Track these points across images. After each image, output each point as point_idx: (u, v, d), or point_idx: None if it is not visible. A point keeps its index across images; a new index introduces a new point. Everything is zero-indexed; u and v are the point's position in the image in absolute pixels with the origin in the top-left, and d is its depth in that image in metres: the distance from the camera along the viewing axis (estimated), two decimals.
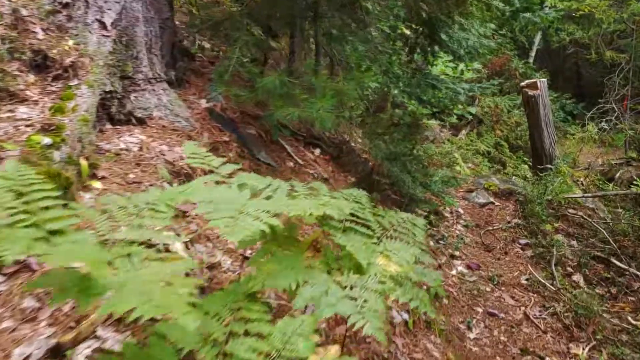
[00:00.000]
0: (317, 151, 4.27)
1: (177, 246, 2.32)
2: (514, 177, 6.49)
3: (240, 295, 1.46)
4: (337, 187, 3.79)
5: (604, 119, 7.88)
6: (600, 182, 6.87)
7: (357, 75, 2.93)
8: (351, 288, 1.51)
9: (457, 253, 4.33)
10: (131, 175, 2.59)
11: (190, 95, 3.43)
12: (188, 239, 2.39)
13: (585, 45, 9.38)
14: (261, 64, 3.61)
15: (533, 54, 10.45)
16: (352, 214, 2.05)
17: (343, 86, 2.96)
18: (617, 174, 7.09)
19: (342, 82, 2.93)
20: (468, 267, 4.17)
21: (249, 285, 1.45)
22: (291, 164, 3.49)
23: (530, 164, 7.43)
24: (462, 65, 7.22)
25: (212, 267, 2.36)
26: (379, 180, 4.60)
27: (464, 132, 7.97)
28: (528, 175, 7.01)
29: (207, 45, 5.01)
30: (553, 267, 4.30)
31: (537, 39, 10.32)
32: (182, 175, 2.78)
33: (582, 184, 6.86)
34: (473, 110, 7.77)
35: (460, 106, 7.51)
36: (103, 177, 2.48)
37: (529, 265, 4.30)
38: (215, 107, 3.36)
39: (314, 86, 2.98)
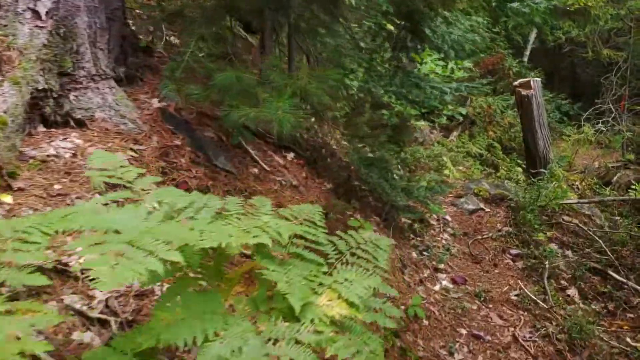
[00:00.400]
0: (290, 155, 3.93)
1: (102, 271, 1.97)
2: (506, 181, 6.17)
3: (126, 354, 1.12)
4: (309, 195, 3.46)
5: (600, 120, 7.58)
6: (597, 186, 6.57)
7: (321, 73, 2.60)
8: (275, 342, 1.17)
9: (441, 265, 4.00)
10: (57, 186, 2.25)
11: (142, 95, 3.09)
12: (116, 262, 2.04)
13: (581, 44, 9.09)
14: (221, 59, 3.28)
15: (527, 52, 10.14)
16: (300, 236, 1.72)
17: (308, 84, 2.62)
18: (615, 178, 6.78)
19: (306, 80, 2.61)
20: (453, 281, 3.84)
21: (138, 341, 1.11)
22: (255, 170, 3.15)
23: (524, 166, 7.12)
24: (452, 64, 6.90)
25: (142, 295, 2.02)
26: (359, 187, 4.27)
27: (455, 133, 7.64)
28: (521, 179, 6.69)
29: (177, 41, 4.66)
30: (545, 281, 3.97)
31: (532, 37, 10.00)
32: (121, 185, 2.43)
33: (578, 188, 6.55)
34: (463, 110, 7.45)
35: (450, 106, 7.18)
36: (19, 189, 2.13)
37: (519, 280, 3.97)
38: (168, 108, 3.02)
39: (276, 84, 2.64)
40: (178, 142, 2.87)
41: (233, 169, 2.99)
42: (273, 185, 3.15)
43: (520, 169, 7.30)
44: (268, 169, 3.27)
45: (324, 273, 1.65)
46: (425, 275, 3.77)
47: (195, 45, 2.93)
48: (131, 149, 2.71)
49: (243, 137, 3.10)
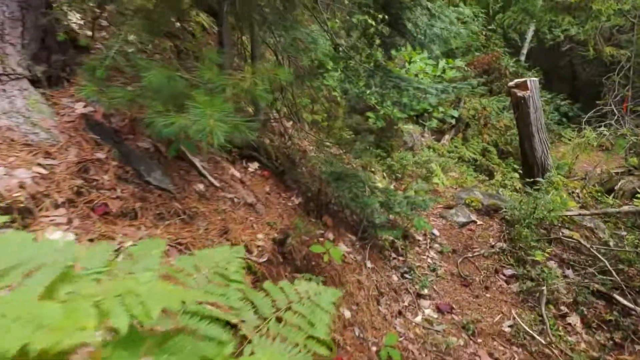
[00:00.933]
0: (254, 166, 3.46)
1: None
2: (500, 190, 5.70)
3: None
4: (268, 214, 2.98)
5: (602, 123, 7.11)
6: (599, 194, 6.10)
7: (269, 72, 2.13)
8: None
9: (425, 291, 3.52)
10: None
11: (65, 98, 2.61)
12: None
13: (581, 42, 8.62)
14: (152, 54, 2.80)
15: (525, 51, 9.66)
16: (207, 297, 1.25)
17: (253, 86, 2.15)
18: (618, 185, 6.32)
19: (251, 81, 2.14)
20: (438, 309, 3.37)
21: None
22: (201, 186, 2.67)
23: (521, 172, 6.66)
24: (443, 63, 6.42)
25: None
26: (333, 200, 3.80)
27: (447, 136, 7.16)
28: (518, 186, 6.23)
29: (132, 37, 4.18)
30: (543, 307, 3.50)
31: (530, 35, 9.52)
32: (15, 211, 1.96)
33: (579, 196, 6.08)
34: (455, 113, 6.96)
35: (440, 109, 6.70)
36: None
37: (513, 307, 3.50)
38: (94, 114, 2.54)
39: (213, 86, 2.17)
40: (102, 155, 2.39)
41: (171, 186, 2.51)
42: (222, 205, 2.67)
43: (517, 175, 6.84)
44: (218, 184, 2.79)
45: (232, 354, 1.18)
46: (406, 303, 3.29)
47: (125, 38, 2.45)
48: (39, 164, 2.23)
49: (185, 147, 2.62)
